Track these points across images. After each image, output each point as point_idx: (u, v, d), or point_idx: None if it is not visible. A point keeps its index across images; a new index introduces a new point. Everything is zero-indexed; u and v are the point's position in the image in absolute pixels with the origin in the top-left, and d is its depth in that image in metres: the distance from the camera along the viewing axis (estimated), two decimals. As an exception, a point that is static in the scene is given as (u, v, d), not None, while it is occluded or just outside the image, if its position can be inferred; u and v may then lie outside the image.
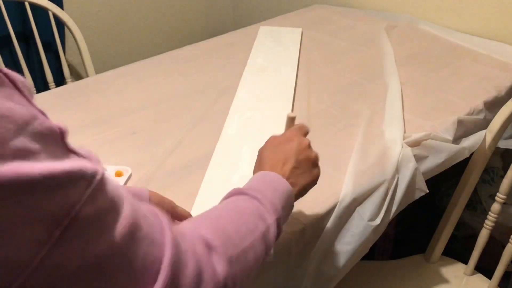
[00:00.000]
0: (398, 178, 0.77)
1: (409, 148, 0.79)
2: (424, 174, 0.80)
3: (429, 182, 0.80)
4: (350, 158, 0.79)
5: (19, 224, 0.23)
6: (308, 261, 0.69)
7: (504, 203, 0.90)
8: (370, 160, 0.79)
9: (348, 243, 0.71)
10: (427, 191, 0.80)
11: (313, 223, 0.68)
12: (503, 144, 1.00)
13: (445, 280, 0.97)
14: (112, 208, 0.29)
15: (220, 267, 0.38)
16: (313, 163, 0.57)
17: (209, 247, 0.39)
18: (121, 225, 0.29)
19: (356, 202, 0.72)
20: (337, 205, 0.70)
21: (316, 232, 0.69)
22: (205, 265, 0.37)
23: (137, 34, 1.87)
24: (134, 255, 0.30)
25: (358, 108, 0.95)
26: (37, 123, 0.25)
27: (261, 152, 0.58)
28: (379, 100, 0.97)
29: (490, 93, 0.99)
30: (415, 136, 0.82)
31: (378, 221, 0.72)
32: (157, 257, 0.32)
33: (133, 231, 0.30)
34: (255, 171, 0.56)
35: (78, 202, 0.26)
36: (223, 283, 0.38)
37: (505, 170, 0.88)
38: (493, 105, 0.97)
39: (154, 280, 0.31)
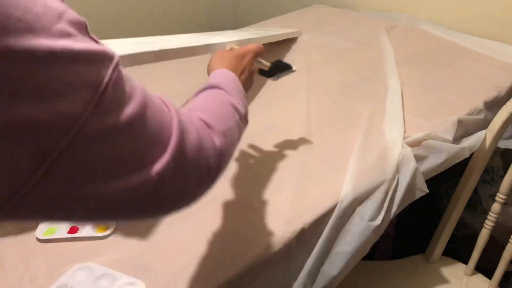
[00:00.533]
0: (398, 178, 0.77)
1: (409, 148, 0.79)
2: (424, 174, 0.80)
3: (429, 182, 0.80)
4: (350, 158, 0.79)
5: (68, 85, 0.29)
6: (308, 261, 0.69)
7: (504, 203, 0.90)
8: (370, 160, 0.78)
9: (349, 243, 0.71)
10: (427, 191, 0.79)
11: (313, 223, 0.68)
12: (503, 144, 1.00)
13: (445, 280, 0.97)
14: (128, 81, 0.35)
15: (216, 138, 0.46)
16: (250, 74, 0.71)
17: (205, 123, 0.46)
18: (138, 97, 0.35)
19: (356, 202, 0.72)
20: (337, 205, 0.70)
21: (316, 232, 0.69)
22: (205, 134, 0.44)
23: (136, 34, 1.86)
24: (152, 121, 0.36)
25: (358, 108, 0.95)
26: (68, 13, 0.31)
27: (220, 54, 0.70)
28: (379, 100, 0.97)
29: (490, 93, 0.99)
30: (415, 136, 0.82)
31: (378, 221, 0.72)
32: (168, 123, 0.38)
33: (147, 100, 0.36)
34: (213, 67, 0.66)
35: (106, 75, 0.32)
36: (219, 151, 0.45)
37: (505, 170, 0.89)
38: (493, 105, 0.97)
39: (167, 143, 0.37)
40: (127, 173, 0.34)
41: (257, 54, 0.74)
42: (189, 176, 0.40)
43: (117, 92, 0.33)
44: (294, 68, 0.81)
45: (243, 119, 0.56)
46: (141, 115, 0.35)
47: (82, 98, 0.30)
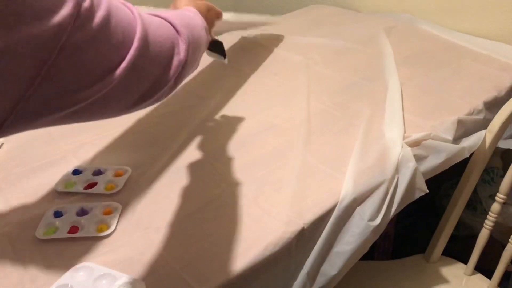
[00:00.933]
0: (398, 178, 0.77)
1: (409, 148, 0.79)
2: (424, 174, 0.80)
3: (429, 182, 0.80)
4: (350, 158, 0.79)
5: (58, 1, 0.35)
6: (308, 261, 0.69)
7: (504, 203, 0.90)
8: (370, 160, 0.79)
9: (348, 243, 0.71)
10: (427, 191, 0.80)
11: (313, 223, 0.68)
12: (503, 144, 1.00)
13: (445, 280, 0.97)
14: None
15: (183, 46, 0.51)
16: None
17: (176, 30, 0.51)
18: (104, 1, 0.40)
19: (356, 202, 0.72)
20: (337, 205, 0.70)
21: (316, 232, 0.69)
22: (172, 42, 0.50)
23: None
24: (118, 23, 0.41)
25: (358, 108, 0.95)
26: None
27: None
28: (379, 100, 0.97)
29: (490, 93, 0.99)
30: (415, 136, 0.82)
31: (378, 221, 0.72)
32: (131, 25, 0.43)
33: (111, 4, 0.41)
34: (181, 4, 0.70)
35: None
36: (183, 62, 0.51)
37: (505, 170, 0.88)
38: (493, 105, 0.97)
39: (130, 45, 0.42)
40: (103, 73, 0.40)
41: (218, 16, 0.79)
42: (150, 77, 0.47)
43: (91, 1, 0.38)
44: (226, 61, 0.85)
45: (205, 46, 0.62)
46: (109, 18, 0.40)
47: (68, 11, 0.35)
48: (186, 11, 0.63)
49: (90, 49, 0.38)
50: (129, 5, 0.45)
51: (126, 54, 0.42)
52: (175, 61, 0.50)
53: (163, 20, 0.51)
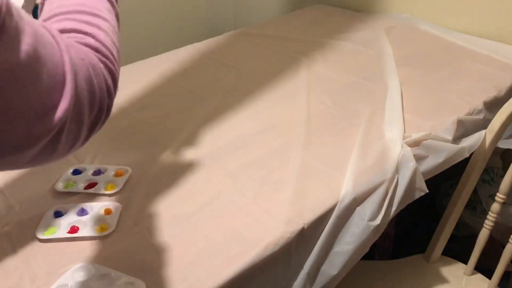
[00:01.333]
0: (398, 178, 0.77)
1: (409, 148, 0.79)
2: (424, 174, 0.80)
3: (429, 182, 0.80)
4: (350, 158, 0.79)
5: None
6: (308, 261, 0.69)
7: (504, 203, 0.90)
8: (370, 160, 0.79)
9: (348, 243, 0.71)
10: (427, 191, 0.80)
11: (313, 223, 0.68)
12: (503, 144, 1.00)
13: (445, 280, 0.97)
14: (17, 24, 0.32)
15: (110, 67, 0.43)
16: None
17: (96, 49, 0.43)
18: (29, 31, 0.33)
19: (356, 202, 0.72)
20: (337, 205, 0.70)
21: (316, 232, 0.69)
22: (97, 70, 0.41)
23: (137, 34, 1.87)
24: (42, 62, 0.34)
25: (358, 108, 0.95)
26: None
27: None
28: (379, 100, 0.97)
29: (490, 93, 0.99)
30: (415, 136, 0.82)
31: (378, 221, 0.72)
32: (59, 61, 0.36)
33: (37, 34, 0.34)
34: None
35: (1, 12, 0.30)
36: (113, 84, 0.44)
37: (505, 170, 0.88)
38: (493, 105, 0.98)
39: (63, 84, 0.36)
40: (31, 117, 0.34)
41: None
42: (85, 116, 0.40)
43: (14, 28, 0.32)
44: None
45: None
46: (35, 52, 0.33)
47: None
48: None
49: (14, 84, 0.32)
50: (52, 30, 0.38)
51: (59, 101, 0.35)
52: (108, 83, 0.43)
53: (80, 44, 0.42)
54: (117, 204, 0.71)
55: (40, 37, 0.34)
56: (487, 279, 0.97)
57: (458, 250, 1.09)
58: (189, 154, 0.84)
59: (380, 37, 1.28)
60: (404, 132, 0.85)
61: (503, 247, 0.90)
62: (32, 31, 0.34)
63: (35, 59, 0.33)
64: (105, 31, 0.45)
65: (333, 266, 0.70)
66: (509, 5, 1.22)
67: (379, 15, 1.48)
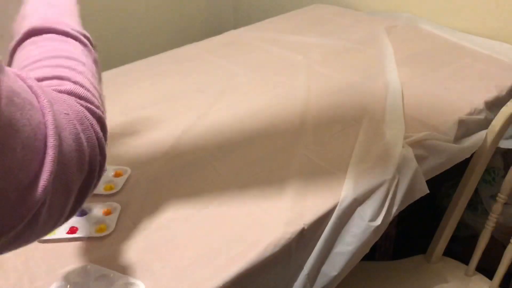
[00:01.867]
0: (398, 178, 0.76)
1: (409, 148, 0.79)
2: (424, 174, 0.79)
3: (430, 182, 0.80)
4: (350, 158, 0.79)
5: None
6: (308, 261, 0.69)
7: (505, 203, 0.89)
8: (371, 160, 0.78)
9: (349, 243, 0.71)
10: (428, 191, 0.79)
11: (313, 224, 0.67)
12: (504, 144, 1.00)
13: (445, 281, 0.97)
14: None
15: (100, 123, 0.39)
16: None
17: (86, 100, 0.39)
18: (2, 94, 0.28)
19: (357, 202, 0.72)
20: (338, 206, 0.70)
21: (316, 232, 0.69)
22: (86, 129, 0.37)
23: (136, 34, 1.86)
24: (15, 129, 0.29)
25: (359, 108, 0.95)
26: None
27: None
28: (379, 99, 0.97)
29: (491, 93, 0.99)
30: (415, 136, 0.82)
31: (378, 221, 0.72)
32: (40, 123, 0.31)
33: (12, 98, 0.29)
34: None
35: None
36: (104, 139, 0.39)
37: (506, 170, 0.88)
38: (494, 105, 0.97)
39: (44, 152, 0.31)
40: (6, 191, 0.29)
41: None
42: (73, 183, 0.35)
43: None
44: None
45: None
46: (7, 118, 0.28)
47: None
48: (61, 50, 0.44)
49: None
50: (32, 83, 0.33)
51: (38, 176, 0.31)
52: (99, 136, 0.38)
53: (60, 93, 0.37)
54: (116, 204, 0.71)
55: (16, 97, 0.29)
56: (488, 280, 0.97)
57: (459, 251, 1.09)
58: (189, 154, 0.83)
59: (381, 36, 1.28)
60: (405, 132, 0.84)
61: (505, 247, 0.90)
62: (7, 90, 0.28)
63: (8, 127, 0.28)
64: (83, 73, 0.42)
65: (334, 266, 0.70)
66: (509, 4, 1.22)
67: (380, 14, 1.47)
